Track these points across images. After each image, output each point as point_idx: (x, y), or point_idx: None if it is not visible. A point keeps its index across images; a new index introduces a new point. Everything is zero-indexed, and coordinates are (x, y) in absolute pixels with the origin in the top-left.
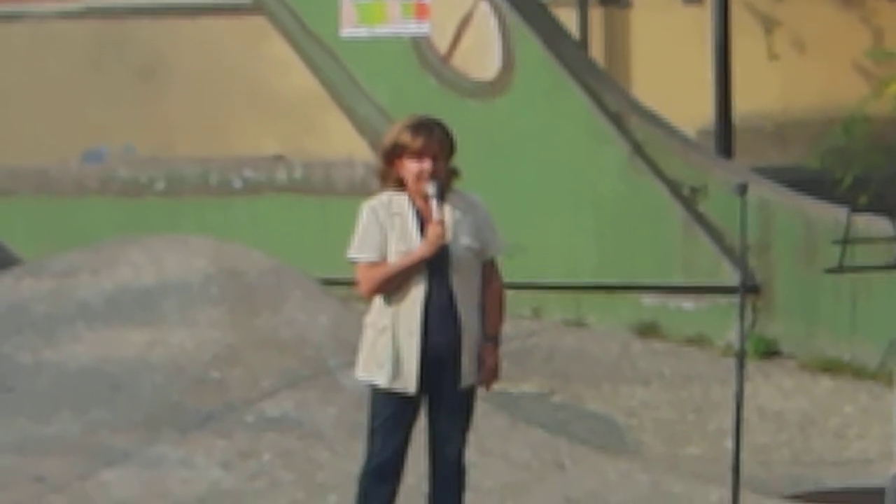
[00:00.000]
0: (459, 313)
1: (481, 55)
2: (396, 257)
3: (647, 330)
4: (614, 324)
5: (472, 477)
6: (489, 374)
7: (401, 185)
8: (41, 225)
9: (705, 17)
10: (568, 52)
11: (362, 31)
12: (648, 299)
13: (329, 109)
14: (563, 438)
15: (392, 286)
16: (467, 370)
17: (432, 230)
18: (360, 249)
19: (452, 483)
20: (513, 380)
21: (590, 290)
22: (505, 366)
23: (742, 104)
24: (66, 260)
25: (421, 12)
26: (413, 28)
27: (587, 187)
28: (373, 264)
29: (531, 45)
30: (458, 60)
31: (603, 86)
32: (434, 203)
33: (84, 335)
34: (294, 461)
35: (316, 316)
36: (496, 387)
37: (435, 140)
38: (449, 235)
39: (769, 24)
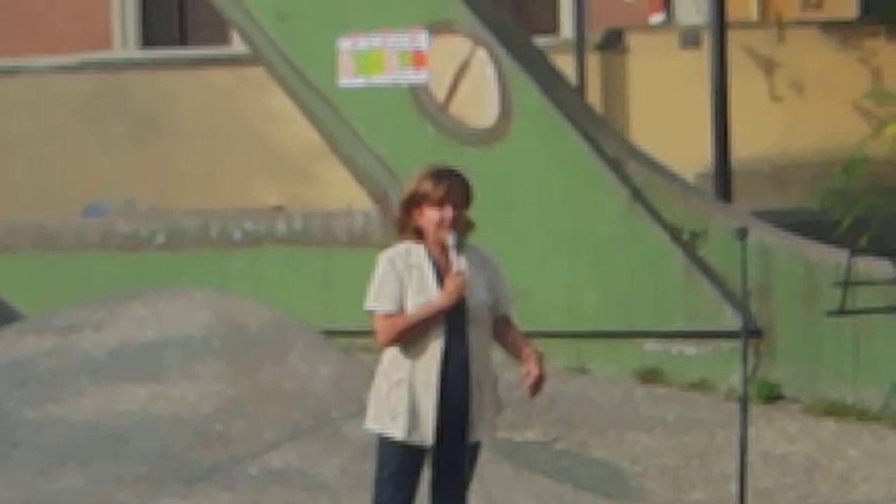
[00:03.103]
0: (471, 367)
1: (479, 103)
2: (414, 309)
3: (650, 376)
4: (616, 370)
5: None
6: (538, 378)
7: (418, 234)
8: (43, 280)
9: (703, 61)
10: (566, 98)
11: (360, 81)
12: (650, 345)
13: (328, 160)
14: (568, 486)
15: (410, 337)
16: (476, 425)
17: (452, 281)
18: (378, 300)
19: None
20: (516, 427)
21: (591, 336)
22: (508, 413)
23: (740, 147)
24: (68, 315)
25: (418, 61)
26: (411, 77)
27: (587, 233)
28: (390, 315)
29: (529, 92)
30: (456, 108)
31: (601, 131)
32: (453, 254)
33: (88, 389)
34: None
35: (318, 367)
36: (500, 435)
37: (456, 189)
38: (468, 287)
39: (768, 66)
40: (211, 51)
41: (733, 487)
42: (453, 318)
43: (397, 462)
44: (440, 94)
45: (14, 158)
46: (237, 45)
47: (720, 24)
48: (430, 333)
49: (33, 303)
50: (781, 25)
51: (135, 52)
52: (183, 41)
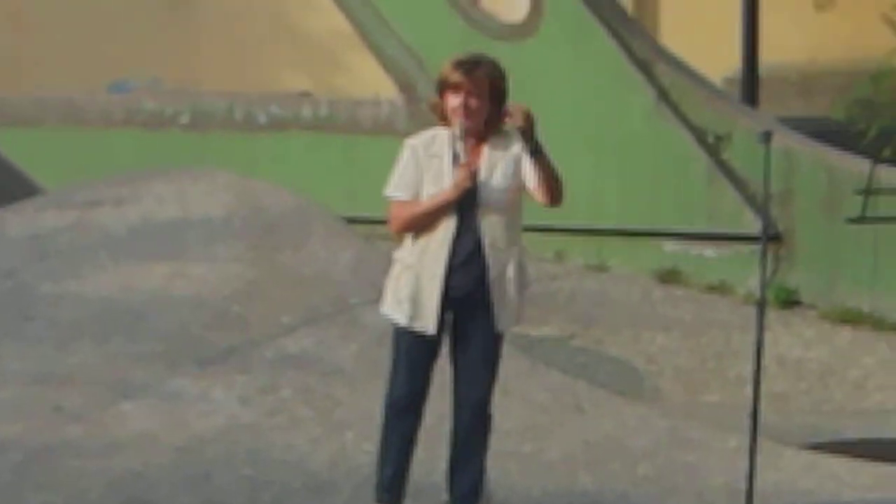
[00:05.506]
0: (487, 258)
1: None
2: (426, 199)
3: (669, 276)
4: (636, 269)
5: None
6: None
7: (446, 121)
8: (66, 155)
9: None
10: None
11: None
12: (670, 246)
13: (357, 48)
14: (583, 382)
15: (419, 226)
16: (499, 315)
17: (458, 173)
18: (396, 187)
19: (477, 429)
20: (534, 322)
21: (612, 234)
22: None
23: (769, 54)
24: (89, 190)
25: None
26: None
27: (612, 132)
28: (405, 203)
29: None
30: (487, 2)
31: (631, 32)
32: (460, 145)
33: (106, 266)
34: (313, 398)
35: (338, 253)
36: (516, 330)
37: (474, 77)
38: (481, 177)
39: None
40: None
41: (748, 390)
42: (467, 208)
43: (405, 347)
44: None
45: (41, 32)
46: None
47: None
48: (440, 223)
49: (55, 177)
50: None
51: None
52: None
